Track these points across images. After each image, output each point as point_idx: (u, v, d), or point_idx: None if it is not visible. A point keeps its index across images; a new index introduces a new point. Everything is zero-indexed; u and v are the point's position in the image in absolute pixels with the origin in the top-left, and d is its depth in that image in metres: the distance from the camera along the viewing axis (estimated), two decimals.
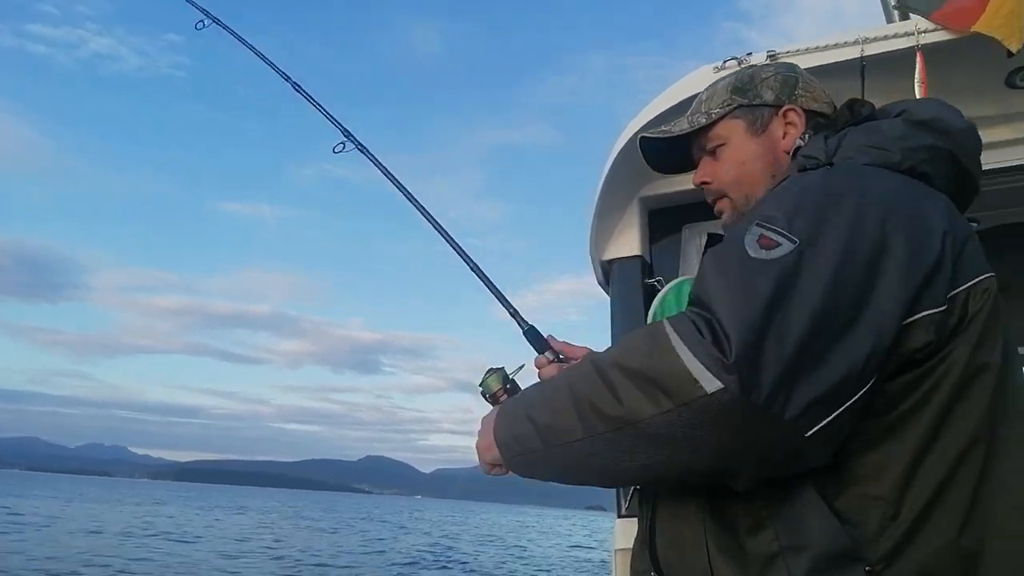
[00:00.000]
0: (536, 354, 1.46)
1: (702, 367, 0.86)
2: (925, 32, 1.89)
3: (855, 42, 1.94)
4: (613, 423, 0.94)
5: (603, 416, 0.95)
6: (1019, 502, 0.97)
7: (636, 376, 0.93)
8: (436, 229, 1.70)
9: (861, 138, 1.11)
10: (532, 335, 1.49)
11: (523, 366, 1.42)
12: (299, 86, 2.05)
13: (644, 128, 1.82)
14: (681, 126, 1.33)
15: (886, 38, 1.93)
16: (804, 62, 1.81)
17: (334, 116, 1.93)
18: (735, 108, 1.29)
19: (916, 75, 1.87)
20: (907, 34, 1.91)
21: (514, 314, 1.55)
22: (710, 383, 0.86)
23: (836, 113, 1.26)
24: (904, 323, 0.93)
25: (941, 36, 1.89)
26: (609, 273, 2.54)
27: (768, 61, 1.92)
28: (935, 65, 1.89)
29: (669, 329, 0.93)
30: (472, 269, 1.63)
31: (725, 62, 2.05)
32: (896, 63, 1.91)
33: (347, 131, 1.91)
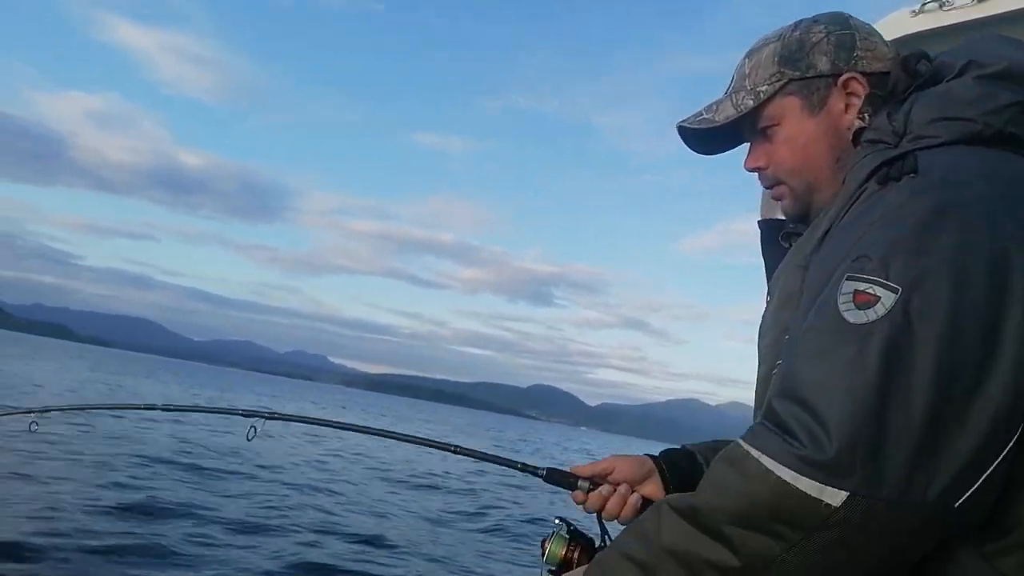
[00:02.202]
0: (567, 492, 1.33)
1: (815, 483, 0.75)
2: None
3: None
4: (741, 574, 0.82)
5: (725, 571, 0.82)
6: None
7: (742, 518, 0.80)
8: (399, 438, 1.56)
9: (931, 109, 0.95)
10: (553, 476, 1.35)
11: (559, 523, 1.30)
12: None
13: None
14: (726, 112, 1.17)
15: None
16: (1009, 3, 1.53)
17: None
18: (786, 83, 1.12)
19: None
20: None
21: (524, 467, 1.42)
22: (834, 496, 0.74)
23: (893, 77, 1.07)
24: None
25: None
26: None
27: (975, 1, 1.63)
28: None
29: (753, 452, 0.82)
30: (455, 451, 1.48)
31: (924, 5, 1.67)
32: None
33: (250, 411, 1.67)
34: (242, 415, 1.68)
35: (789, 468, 0.77)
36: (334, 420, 1.68)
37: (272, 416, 1.65)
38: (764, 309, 1.16)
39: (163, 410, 1.88)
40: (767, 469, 0.79)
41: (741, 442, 0.84)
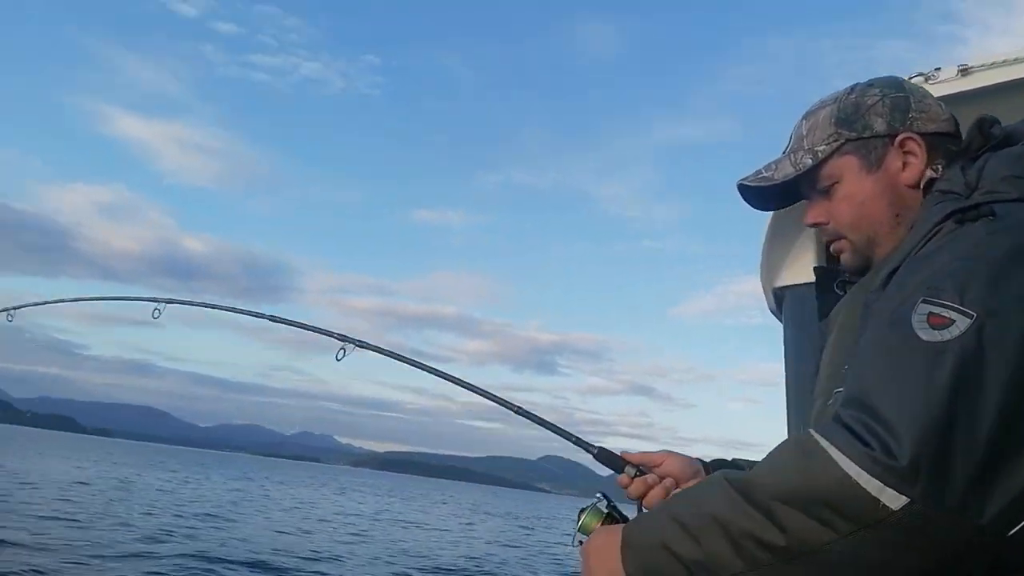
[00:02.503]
0: (615, 474, 1.36)
1: (879, 483, 0.78)
2: None
3: None
4: (782, 554, 0.84)
5: (768, 547, 0.85)
6: None
7: (799, 501, 0.83)
8: (477, 392, 1.64)
9: (1004, 167, 1.00)
10: (604, 456, 1.38)
11: (600, 497, 1.30)
12: None
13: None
14: (784, 170, 1.22)
15: None
16: (1007, 75, 1.62)
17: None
18: (843, 143, 1.17)
19: None
20: None
21: (577, 441, 1.45)
22: (894, 499, 0.77)
23: (968, 137, 1.12)
24: None
25: None
26: (782, 301, 2.34)
27: (959, 75, 1.73)
28: None
29: (824, 443, 0.84)
30: (517, 411, 1.56)
31: (911, 78, 1.72)
32: None
33: (343, 336, 1.83)
34: (338, 338, 1.84)
35: (857, 465, 0.80)
36: (414, 359, 1.79)
37: (362, 344, 1.81)
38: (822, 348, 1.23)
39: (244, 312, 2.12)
40: (835, 461, 0.81)
41: (813, 432, 0.86)
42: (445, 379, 1.72)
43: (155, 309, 2.10)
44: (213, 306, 2.14)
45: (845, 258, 1.23)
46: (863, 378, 0.88)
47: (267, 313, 2.08)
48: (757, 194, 1.29)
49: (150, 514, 15.66)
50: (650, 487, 1.31)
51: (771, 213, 2.13)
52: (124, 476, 31.58)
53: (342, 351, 1.81)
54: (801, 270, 2.21)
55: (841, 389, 0.97)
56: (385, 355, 1.82)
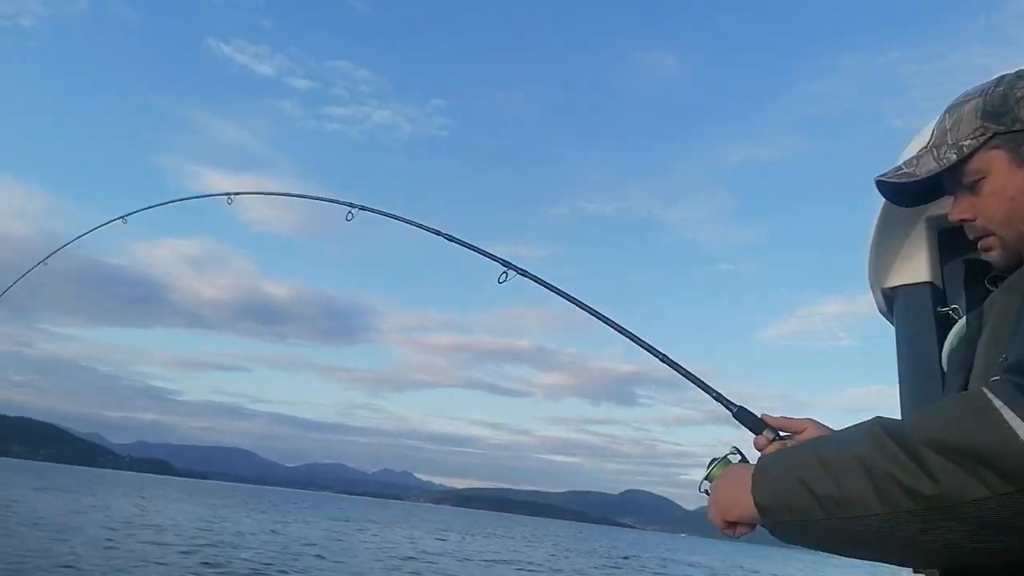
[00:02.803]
0: (752, 435, 1.36)
1: None
2: None
3: None
4: (925, 502, 0.85)
5: (912, 494, 0.86)
6: None
7: (956, 454, 0.83)
8: (618, 331, 1.65)
9: None
10: (743, 416, 1.38)
11: (734, 451, 1.30)
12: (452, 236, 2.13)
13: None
14: (927, 165, 1.19)
15: None
16: None
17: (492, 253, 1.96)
18: (991, 137, 1.13)
19: None
20: None
21: (718, 397, 1.45)
22: None
23: None
24: None
25: None
26: (892, 301, 2.30)
27: None
28: None
29: (997, 401, 0.84)
30: (663, 360, 1.57)
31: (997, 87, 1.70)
32: None
33: (507, 262, 1.87)
34: (501, 263, 1.92)
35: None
36: (570, 294, 1.82)
37: (523, 272, 1.89)
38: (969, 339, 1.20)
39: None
40: (1005, 420, 0.83)
41: (986, 391, 0.86)
42: (600, 319, 1.73)
43: (348, 212, 2.29)
44: (400, 218, 2.24)
45: (995, 255, 1.19)
46: None
47: (443, 232, 2.18)
48: (897, 191, 1.27)
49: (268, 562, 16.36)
50: None
51: (879, 212, 2.08)
52: (234, 519, 33.16)
53: (504, 275, 1.89)
54: (913, 269, 2.17)
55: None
56: (544, 286, 1.86)
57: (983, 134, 1.14)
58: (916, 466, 0.86)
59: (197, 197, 2.95)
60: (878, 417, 0.95)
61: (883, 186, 1.28)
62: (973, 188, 1.17)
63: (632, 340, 1.64)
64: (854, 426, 0.98)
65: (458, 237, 2.15)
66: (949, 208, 1.24)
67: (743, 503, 1.05)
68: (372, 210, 2.38)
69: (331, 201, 2.50)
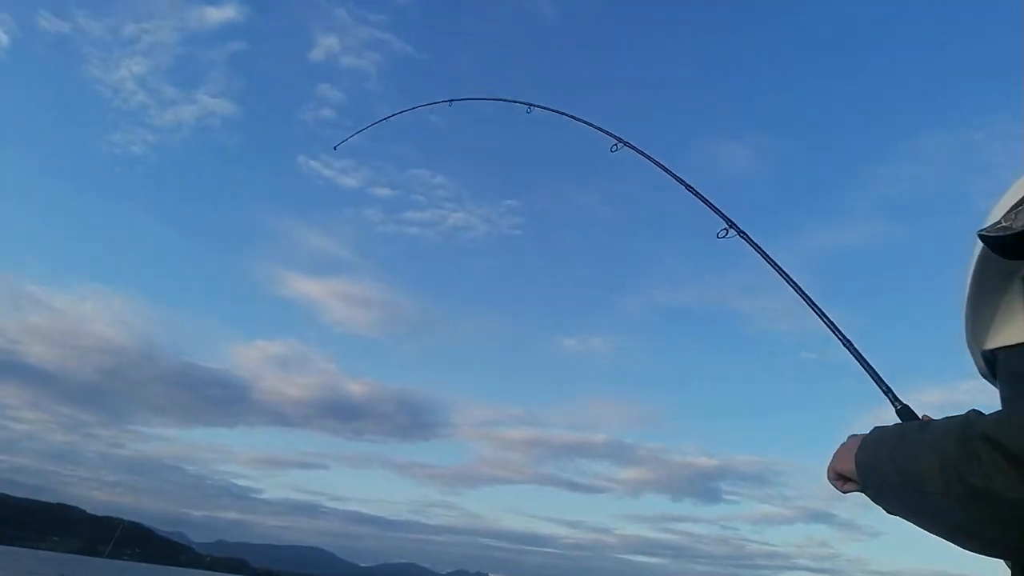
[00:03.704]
0: None
1: None
2: None
3: None
4: (970, 490, 0.91)
5: (962, 481, 0.92)
6: None
7: (1007, 453, 0.89)
8: (815, 311, 1.76)
9: None
10: (905, 414, 1.42)
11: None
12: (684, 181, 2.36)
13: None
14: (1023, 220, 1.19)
15: None
16: None
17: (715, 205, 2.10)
18: None
19: None
20: None
21: (887, 391, 1.51)
22: None
23: None
24: None
25: None
26: (993, 363, 2.01)
27: None
28: None
29: None
30: (845, 345, 1.70)
31: None
32: None
33: (729, 219, 2.01)
34: (725, 221, 2.10)
35: None
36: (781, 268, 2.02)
37: (742, 233, 2.08)
38: None
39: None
40: None
41: None
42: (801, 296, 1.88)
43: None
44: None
45: None
46: None
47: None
48: (999, 245, 1.29)
49: None
50: None
51: (970, 275, 1.83)
52: None
53: (724, 231, 2.01)
54: (1013, 330, 1.87)
55: None
56: (758, 253, 1.99)
57: None
58: (970, 456, 0.94)
59: (494, 100, 3.61)
60: (973, 409, 1.06)
61: (985, 240, 1.31)
62: None
63: (824, 320, 1.81)
64: (948, 416, 1.10)
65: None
66: None
67: (849, 460, 1.26)
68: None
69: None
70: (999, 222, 1.27)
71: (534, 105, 3.03)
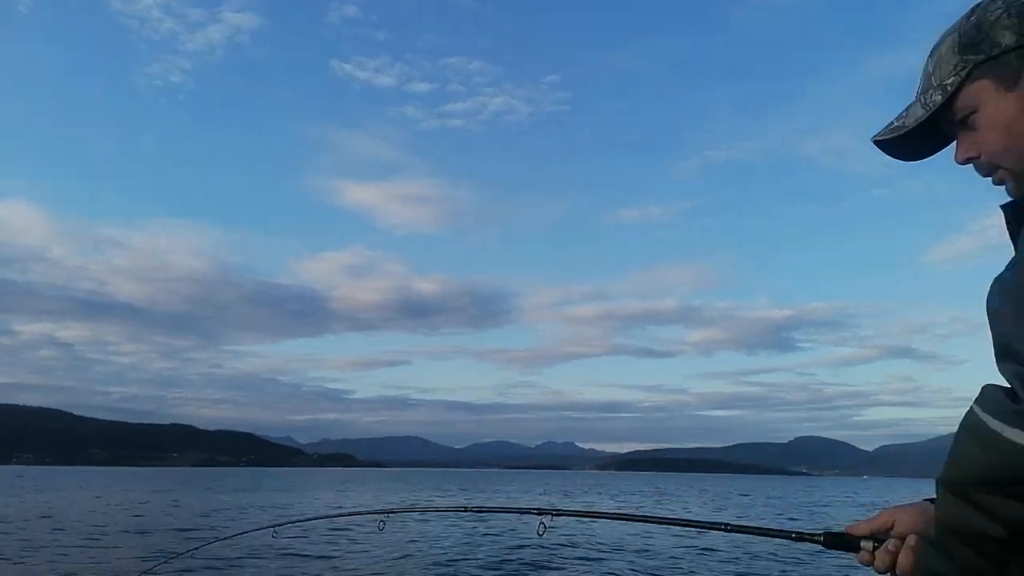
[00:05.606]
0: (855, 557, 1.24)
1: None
2: None
3: None
4: (1003, 542, 0.82)
5: (998, 542, 0.83)
6: None
7: (987, 484, 0.80)
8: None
9: None
10: (832, 541, 1.26)
11: None
12: None
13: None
14: (915, 114, 1.15)
15: None
16: None
17: None
18: (972, 68, 1.08)
19: None
20: None
21: (799, 536, 1.34)
22: None
23: None
24: None
25: None
26: None
27: None
28: None
29: (981, 413, 0.83)
30: (737, 530, 1.49)
31: None
32: None
33: None
34: (535, 513, 1.84)
35: (1010, 425, 0.80)
36: (610, 512, 1.81)
37: (558, 512, 1.82)
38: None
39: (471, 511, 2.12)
40: (994, 431, 0.81)
41: (973, 406, 0.85)
42: (647, 521, 1.75)
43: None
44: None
45: (1010, 188, 1.13)
46: (1005, 327, 0.87)
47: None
48: (899, 147, 1.21)
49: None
50: (895, 554, 1.17)
51: None
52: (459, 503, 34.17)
53: None
54: None
55: None
56: None
57: (963, 68, 1.10)
58: (977, 512, 0.85)
59: (350, 514, 2.77)
60: (940, 476, 0.95)
61: (882, 145, 1.23)
62: (968, 125, 1.13)
63: (689, 525, 1.69)
64: (936, 497, 0.99)
65: (487, 507, 2.17)
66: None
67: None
68: None
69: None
70: (891, 123, 1.19)
71: None
